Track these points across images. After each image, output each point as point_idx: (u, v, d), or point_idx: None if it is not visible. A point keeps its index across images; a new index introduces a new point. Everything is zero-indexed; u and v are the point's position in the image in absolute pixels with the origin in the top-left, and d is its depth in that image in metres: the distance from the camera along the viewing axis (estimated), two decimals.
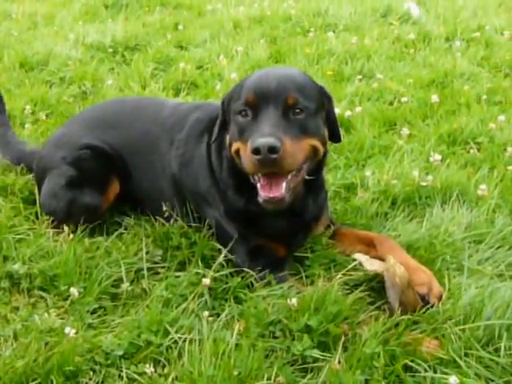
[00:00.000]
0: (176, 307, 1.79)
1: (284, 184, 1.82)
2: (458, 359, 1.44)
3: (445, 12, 5.10)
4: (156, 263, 2.05)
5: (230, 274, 1.90)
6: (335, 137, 2.04)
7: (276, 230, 1.96)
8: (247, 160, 1.81)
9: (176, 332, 1.67)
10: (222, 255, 1.96)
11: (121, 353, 1.62)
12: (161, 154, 2.22)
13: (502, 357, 1.42)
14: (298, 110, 1.86)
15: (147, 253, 2.05)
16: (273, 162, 1.75)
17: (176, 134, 2.21)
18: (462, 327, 1.52)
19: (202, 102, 2.99)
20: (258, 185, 1.85)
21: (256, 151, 1.75)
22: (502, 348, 1.45)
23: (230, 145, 1.96)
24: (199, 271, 1.94)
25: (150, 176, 2.24)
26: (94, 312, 1.80)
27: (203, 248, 2.04)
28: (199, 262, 1.99)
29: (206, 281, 1.85)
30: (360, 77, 3.55)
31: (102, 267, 1.94)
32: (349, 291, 1.81)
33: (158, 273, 2.01)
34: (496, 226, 2.03)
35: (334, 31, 4.45)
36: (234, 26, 4.42)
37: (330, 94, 2.03)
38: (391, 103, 3.30)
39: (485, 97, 3.34)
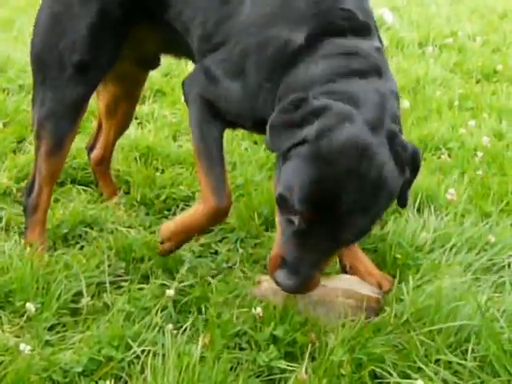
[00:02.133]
0: (139, 321, 1.78)
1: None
2: (423, 366, 1.47)
3: (418, 18, 5.21)
4: (118, 276, 2.04)
5: (192, 285, 1.91)
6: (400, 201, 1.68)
7: None
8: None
9: (138, 346, 1.67)
10: (186, 265, 1.97)
11: (80, 370, 1.60)
12: None
13: (469, 360, 1.45)
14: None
15: (109, 266, 2.05)
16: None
17: None
18: (428, 329, 1.56)
19: None
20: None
21: (278, 284, 1.61)
22: (470, 351, 1.48)
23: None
24: (163, 282, 1.95)
25: None
26: (51, 328, 1.78)
27: (168, 259, 2.06)
28: (162, 274, 2.00)
29: (170, 292, 1.85)
30: None
31: (60, 281, 1.93)
32: None
33: (120, 286, 2.00)
34: (465, 229, 2.08)
35: None
36: None
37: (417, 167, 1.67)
38: None
39: (456, 102, 3.42)
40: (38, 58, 2.02)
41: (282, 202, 1.56)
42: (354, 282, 1.90)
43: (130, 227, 2.28)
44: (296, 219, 1.53)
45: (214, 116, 1.85)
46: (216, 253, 2.20)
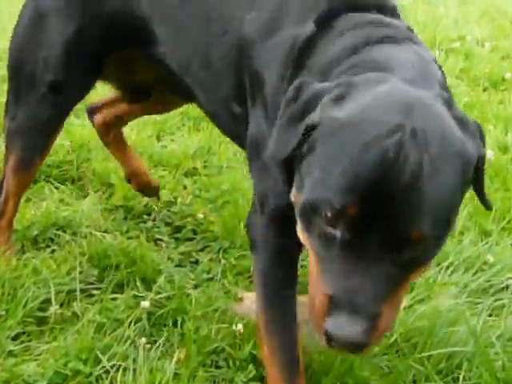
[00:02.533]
0: (110, 333, 1.79)
1: None
2: None
3: (425, 19, 5.24)
4: (90, 284, 2.05)
5: (170, 296, 1.92)
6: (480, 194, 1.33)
7: None
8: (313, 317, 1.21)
9: (108, 360, 1.68)
10: (164, 275, 1.98)
11: (44, 383, 1.61)
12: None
13: None
14: (418, 246, 1.16)
15: (81, 272, 2.05)
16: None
17: None
18: (418, 355, 1.57)
19: None
20: None
21: (329, 339, 1.17)
22: (461, 378, 1.50)
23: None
24: (138, 294, 1.95)
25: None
26: (16, 338, 1.78)
27: (144, 268, 2.06)
28: (138, 284, 2.00)
29: (145, 303, 1.85)
30: None
31: (28, 287, 1.93)
32: None
33: (91, 295, 2.01)
34: (463, 248, 2.10)
35: None
36: None
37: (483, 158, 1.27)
38: None
39: None
40: (13, 65, 1.99)
41: (313, 212, 1.17)
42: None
43: (105, 232, 2.29)
44: (338, 230, 1.14)
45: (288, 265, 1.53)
46: (196, 262, 2.21)
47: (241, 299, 1.86)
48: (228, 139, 2.94)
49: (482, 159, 1.24)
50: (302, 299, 1.68)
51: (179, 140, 2.99)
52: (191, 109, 3.04)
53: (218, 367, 1.69)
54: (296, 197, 1.26)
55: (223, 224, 2.33)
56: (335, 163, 1.14)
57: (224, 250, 2.24)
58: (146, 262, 2.06)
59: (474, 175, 1.23)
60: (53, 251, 2.16)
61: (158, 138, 3.00)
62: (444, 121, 1.19)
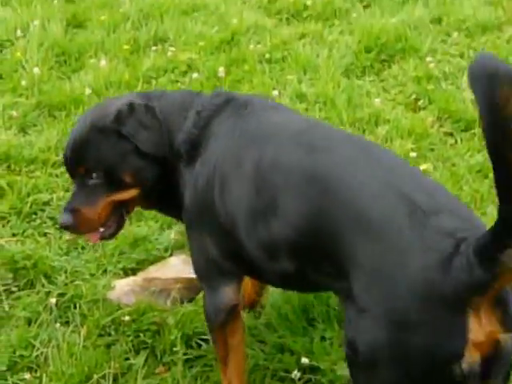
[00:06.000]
0: (34, 323, 3.05)
1: (99, 232, 2.62)
2: None
3: None
4: (8, 284, 3.26)
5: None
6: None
7: None
8: None
9: (40, 344, 2.95)
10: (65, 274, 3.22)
11: (4, 368, 2.87)
12: None
13: None
14: (94, 175, 2.48)
15: (1, 278, 3.25)
16: (73, 232, 2.70)
17: None
18: None
19: None
20: None
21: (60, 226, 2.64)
22: None
23: None
24: (45, 289, 3.18)
25: None
26: None
27: (44, 267, 3.27)
28: (43, 281, 3.22)
29: (53, 300, 3.10)
30: (155, 47, 4.69)
31: None
32: None
33: (13, 292, 3.22)
34: None
35: None
36: None
37: (129, 130, 2.47)
38: (185, 73, 4.51)
39: (268, 55, 4.66)
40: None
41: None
42: (181, 267, 3.24)
43: (3, 237, 3.44)
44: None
45: None
46: (77, 248, 3.43)
47: (114, 287, 3.15)
48: None
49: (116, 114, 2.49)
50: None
51: (37, 133, 4.05)
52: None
53: (110, 335, 3.01)
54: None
55: None
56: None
57: None
58: (44, 261, 3.27)
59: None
60: None
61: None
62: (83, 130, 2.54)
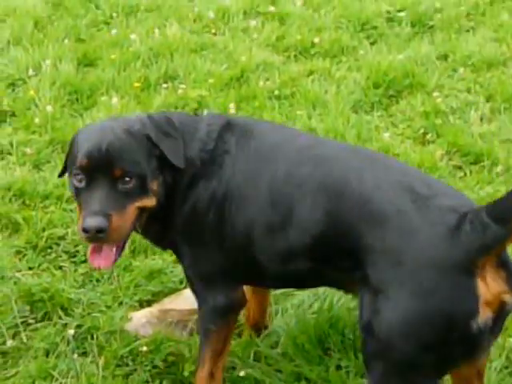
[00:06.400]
0: (52, 354, 3.12)
1: (114, 251, 2.53)
2: None
3: None
4: (26, 317, 3.34)
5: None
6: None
7: None
8: (79, 231, 2.47)
9: (58, 374, 3.02)
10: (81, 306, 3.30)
11: None
12: None
13: None
14: (126, 179, 2.45)
15: (18, 311, 3.33)
16: (100, 239, 2.43)
17: None
18: None
19: None
20: (89, 248, 2.55)
21: (85, 231, 2.40)
22: None
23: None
24: (62, 321, 3.26)
25: None
26: None
27: (60, 299, 3.35)
28: (60, 313, 3.30)
29: (71, 332, 3.19)
30: (166, 85, 4.84)
31: None
32: None
33: (29, 324, 3.30)
34: None
35: (135, 15, 5.64)
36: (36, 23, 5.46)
37: (158, 136, 2.54)
38: (196, 110, 4.65)
39: (277, 92, 4.80)
40: None
41: (71, 178, 2.55)
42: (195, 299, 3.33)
43: (21, 270, 3.53)
44: (79, 174, 2.50)
45: None
46: (92, 280, 3.52)
47: (131, 318, 3.23)
48: None
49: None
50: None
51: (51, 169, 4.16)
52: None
53: (127, 365, 3.08)
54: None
55: None
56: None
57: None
58: (60, 294, 3.36)
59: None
60: None
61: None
62: (117, 132, 2.52)
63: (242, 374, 2.96)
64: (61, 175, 2.75)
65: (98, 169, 2.46)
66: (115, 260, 2.56)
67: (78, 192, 2.51)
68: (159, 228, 2.71)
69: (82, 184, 2.48)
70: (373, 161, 2.55)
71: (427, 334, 2.18)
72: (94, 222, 2.39)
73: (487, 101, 4.87)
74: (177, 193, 2.61)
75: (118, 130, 2.55)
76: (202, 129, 2.63)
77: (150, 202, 2.53)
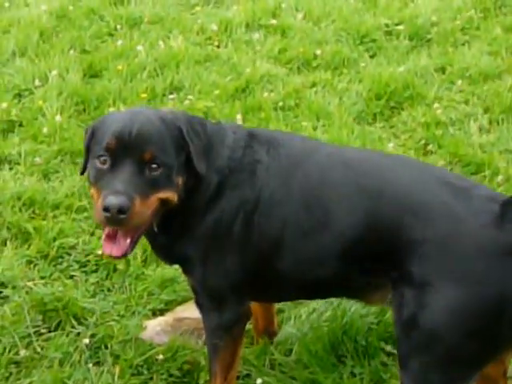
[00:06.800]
0: (67, 363, 3.06)
1: (128, 242, 2.37)
2: None
3: None
4: (38, 326, 3.27)
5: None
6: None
7: None
8: (97, 212, 2.30)
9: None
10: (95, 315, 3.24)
11: None
12: None
13: None
14: (154, 166, 2.32)
15: (31, 320, 3.27)
16: (120, 221, 2.26)
17: None
18: None
19: None
20: (103, 235, 2.39)
21: (106, 209, 2.24)
22: None
23: (89, 186, 2.49)
24: (75, 330, 3.20)
25: None
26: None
27: (74, 308, 3.29)
28: (73, 321, 3.24)
29: (86, 340, 3.13)
30: (172, 96, 4.80)
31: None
32: None
33: (41, 333, 3.24)
34: None
35: (139, 27, 5.61)
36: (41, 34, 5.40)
37: (190, 134, 2.43)
38: None
39: (281, 103, 4.77)
40: None
41: (92, 159, 2.41)
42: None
43: (34, 280, 3.47)
44: (103, 155, 2.36)
45: None
46: (103, 290, 3.46)
47: (145, 327, 3.18)
48: None
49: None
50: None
51: (60, 179, 4.10)
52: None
53: (139, 374, 3.02)
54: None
55: None
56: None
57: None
58: (73, 303, 3.30)
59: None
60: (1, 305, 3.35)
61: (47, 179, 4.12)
62: (150, 117, 2.42)
63: (258, 381, 2.92)
64: (83, 172, 2.55)
65: (126, 150, 2.33)
66: (127, 252, 2.40)
67: (98, 174, 2.37)
68: (168, 239, 2.61)
69: (106, 166, 2.34)
70: (402, 160, 2.61)
71: (476, 321, 2.20)
72: (116, 200, 2.24)
73: (485, 112, 4.85)
74: (198, 202, 2.52)
75: (150, 115, 2.46)
76: (229, 136, 2.57)
77: (172, 196, 2.40)
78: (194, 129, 2.49)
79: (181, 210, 2.50)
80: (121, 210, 2.25)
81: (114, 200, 2.24)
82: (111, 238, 2.39)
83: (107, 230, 2.39)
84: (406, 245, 2.30)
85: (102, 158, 2.35)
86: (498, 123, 4.73)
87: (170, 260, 2.77)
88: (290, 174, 2.51)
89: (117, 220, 2.27)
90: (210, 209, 2.53)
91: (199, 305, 2.71)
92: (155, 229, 2.53)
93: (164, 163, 2.36)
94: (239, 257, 2.56)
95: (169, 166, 2.37)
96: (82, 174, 2.57)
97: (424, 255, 2.27)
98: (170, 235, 2.60)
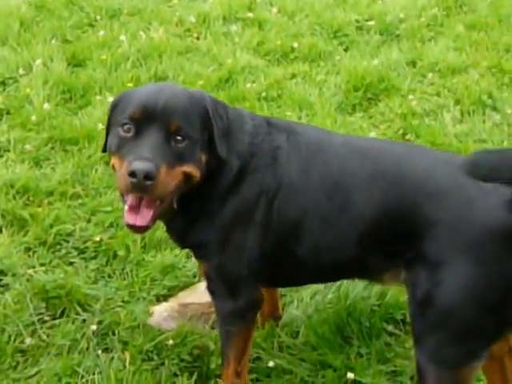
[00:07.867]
0: (75, 350, 2.88)
1: (151, 213, 2.21)
2: None
3: None
4: (41, 314, 3.08)
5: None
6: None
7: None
8: (121, 179, 2.14)
9: (84, 371, 2.79)
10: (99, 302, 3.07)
11: None
12: None
13: None
14: (179, 138, 2.20)
15: (34, 308, 3.07)
16: (146, 188, 2.11)
17: None
18: None
19: None
20: (126, 206, 2.22)
21: (132, 174, 2.09)
22: None
23: (110, 156, 2.31)
24: (79, 317, 3.02)
25: None
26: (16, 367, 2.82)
27: (77, 295, 3.11)
28: (78, 308, 3.07)
29: (93, 327, 2.96)
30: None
31: (3, 328, 2.94)
32: None
33: (45, 321, 3.05)
34: None
35: (119, 18, 5.39)
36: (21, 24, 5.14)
37: (214, 115, 2.31)
38: None
39: (264, 94, 4.65)
40: None
41: (115, 128, 2.24)
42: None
43: (34, 267, 3.27)
44: (128, 124, 2.22)
45: None
46: (104, 276, 3.29)
47: (152, 313, 3.02)
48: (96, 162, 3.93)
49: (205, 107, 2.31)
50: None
51: (52, 167, 3.89)
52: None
53: (150, 359, 2.87)
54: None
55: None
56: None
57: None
58: (76, 289, 3.12)
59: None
60: (2, 293, 3.15)
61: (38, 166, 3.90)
62: (177, 91, 2.33)
63: (270, 364, 2.81)
64: (105, 149, 2.40)
65: (152, 120, 2.20)
66: (150, 223, 2.22)
67: (121, 142, 2.22)
68: (185, 223, 2.46)
69: (130, 133, 2.21)
70: (412, 147, 2.64)
71: (490, 296, 2.19)
72: (143, 165, 2.10)
73: (456, 104, 4.82)
74: (219, 185, 2.38)
75: (177, 90, 2.37)
76: (248, 122, 2.45)
77: (195, 172, 2.27)
78: (219, 111, 2.38)
79: (201, 193, 2.38)
80: (147, 176, 2.10)
81: (140, 165, 2.10)
82: (134, 208, 2.22)
83: (130, 200, 2.22)
84: (422, 226, 2.28)
85: (126, 127, 2.22)
86: (469, 114, 4.71)
87: (185, 244, 2.60)
88: (309, 162, 2.44)
89: (143, 186, 2.12)
90: (230, 194, 2.40)
91: (212, 291, 2.57)
92: (175, 206, 2.37)
93: (189, 136, 2.24)
94: (258, 243, 2.45)
95: (194, 141, 2.26)
96: (104, 151, 2.41)
97: (439, 236, 2.26)
98: (188, 218, 2.45)
